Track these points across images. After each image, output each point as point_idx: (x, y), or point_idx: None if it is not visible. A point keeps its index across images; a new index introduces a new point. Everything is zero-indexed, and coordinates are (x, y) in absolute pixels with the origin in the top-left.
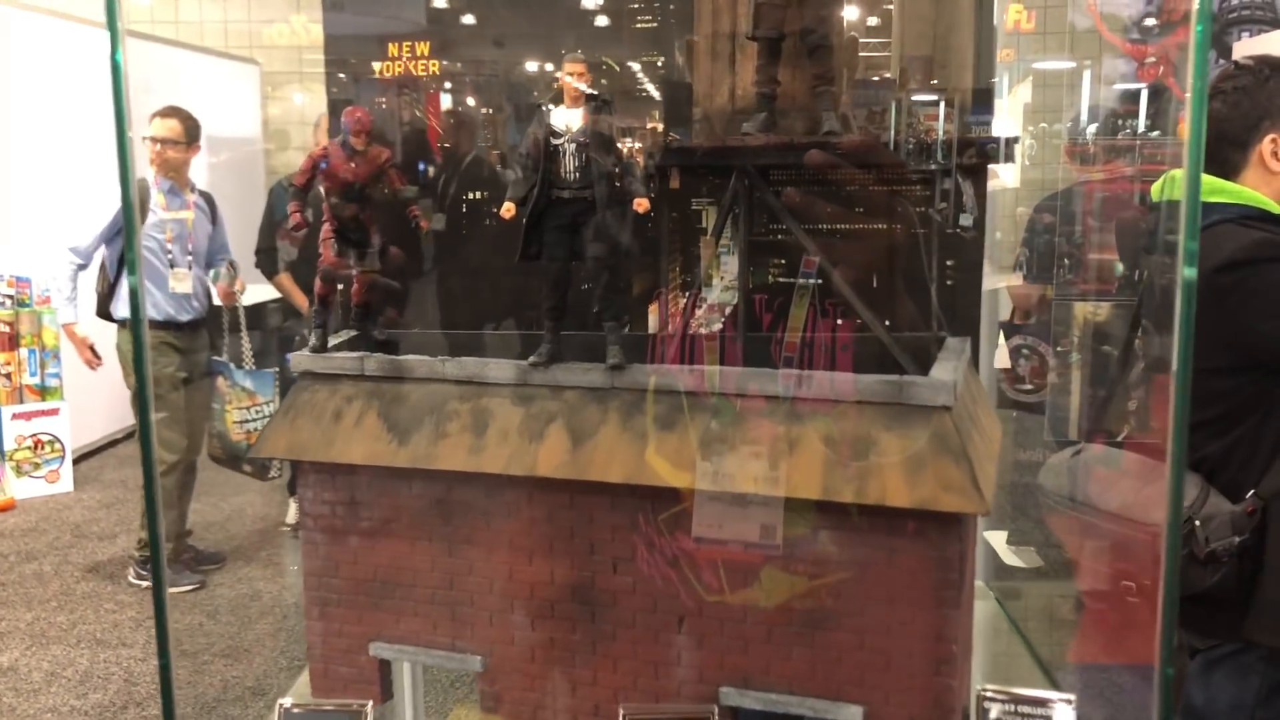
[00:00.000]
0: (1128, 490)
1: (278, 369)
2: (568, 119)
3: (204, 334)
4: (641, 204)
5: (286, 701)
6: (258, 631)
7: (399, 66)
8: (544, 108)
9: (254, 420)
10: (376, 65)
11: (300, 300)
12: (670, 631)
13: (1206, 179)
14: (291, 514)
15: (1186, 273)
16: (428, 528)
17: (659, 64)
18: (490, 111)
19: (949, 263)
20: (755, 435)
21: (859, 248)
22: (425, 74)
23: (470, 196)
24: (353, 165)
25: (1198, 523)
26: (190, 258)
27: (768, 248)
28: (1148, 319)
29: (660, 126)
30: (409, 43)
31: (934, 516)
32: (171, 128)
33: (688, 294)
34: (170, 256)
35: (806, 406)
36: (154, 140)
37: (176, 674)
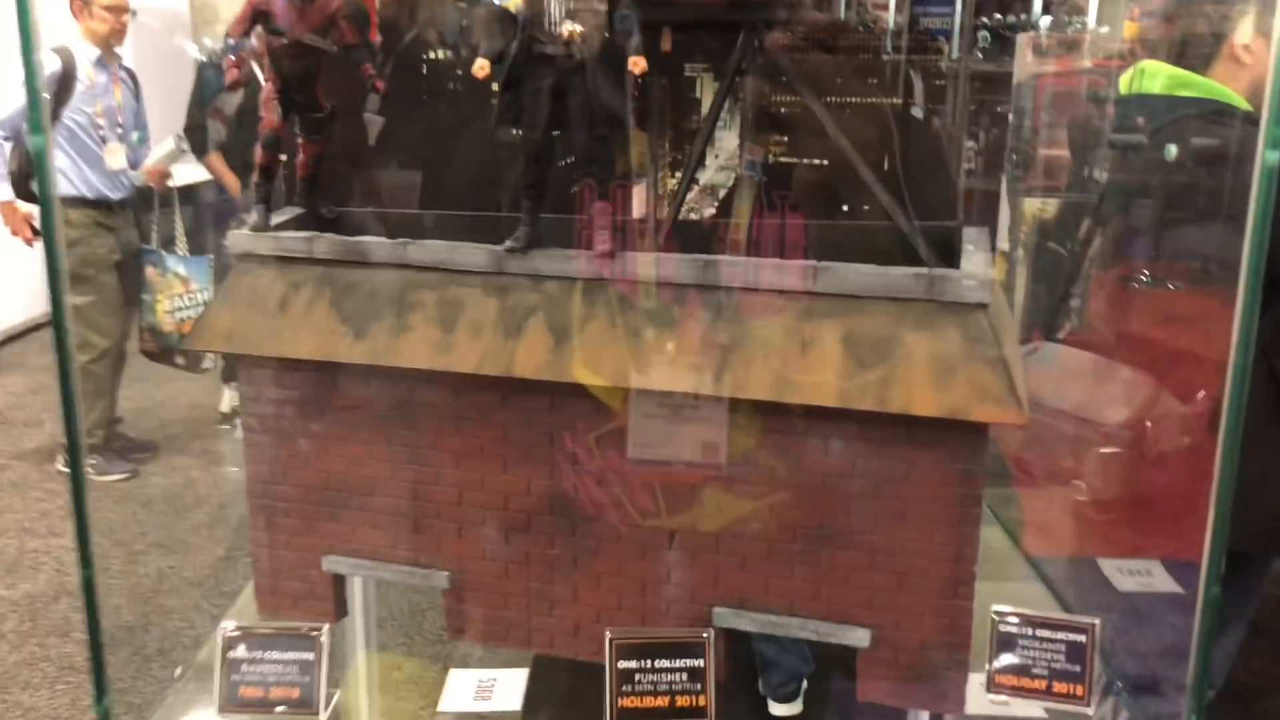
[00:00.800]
0: (1083, 390)
1: (211, 255)
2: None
3: (132, 213)
4: (638, 63)
5: (229, 625)
6: (193, 521)
7: None
8: None
9: (188, 309)
10: None
11: (231, 182)
12: (659, 547)
13: (1176, 72)
14: (226, 402)
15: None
16: (387, 431)
17: None
18: None
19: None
20: (763, 334)
21: (869, 126)
22: None
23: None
24: (299, 14)
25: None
26: (120, 131)
27: (767, 122)
28: (1110, 213)
29: None
30: None
31: (961, 425)
32: None
33: (679, 174)
34: (102, 132)
35: (822, 302)
36: (110, 9)
37: (109, 564)
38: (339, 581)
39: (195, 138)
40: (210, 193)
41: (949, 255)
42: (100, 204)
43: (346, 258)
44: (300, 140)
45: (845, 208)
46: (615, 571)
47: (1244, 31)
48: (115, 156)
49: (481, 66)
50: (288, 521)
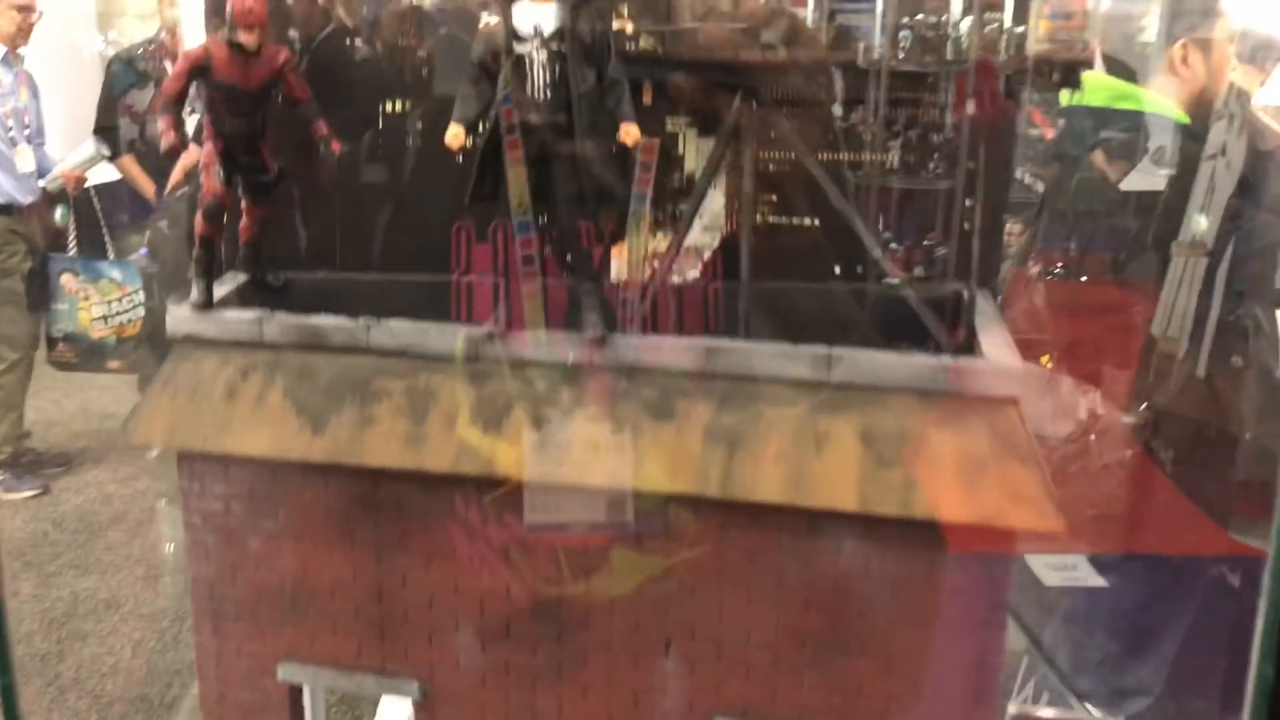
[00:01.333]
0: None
1: (138, 255)
2: (537, 17)
3: (37, 219)
4: (630, 133)
5: None
6: (109, 540)
7: None
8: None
9: (126, 312)
10: None
11: (146, 185)
12: (655, 655)
13: (1115, 84)
14: None
15: None
16: (350, 529)
17: None
18: None
19: None
20: (777, 430)
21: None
22: None
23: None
24: (243, 68)
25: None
26: (28, 133)
27: (757, 181)
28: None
29: (627, 26)
30: None
31: (988, 528)
32: None
33: (667, 236)
34: (11, 134)
35: (838, 393)
36: (18, 8)
37: (19, 587)
38: (295, 692)
39: (108, 139)
40: (123, 193)
41: (943, 313)
42: (9, 209)
43: (302, 341)
44: (245, 204)
45: (837, 269)
46: (605, 680)
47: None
48: (25, 159)
49: (455, 135)
50: (237, 626)
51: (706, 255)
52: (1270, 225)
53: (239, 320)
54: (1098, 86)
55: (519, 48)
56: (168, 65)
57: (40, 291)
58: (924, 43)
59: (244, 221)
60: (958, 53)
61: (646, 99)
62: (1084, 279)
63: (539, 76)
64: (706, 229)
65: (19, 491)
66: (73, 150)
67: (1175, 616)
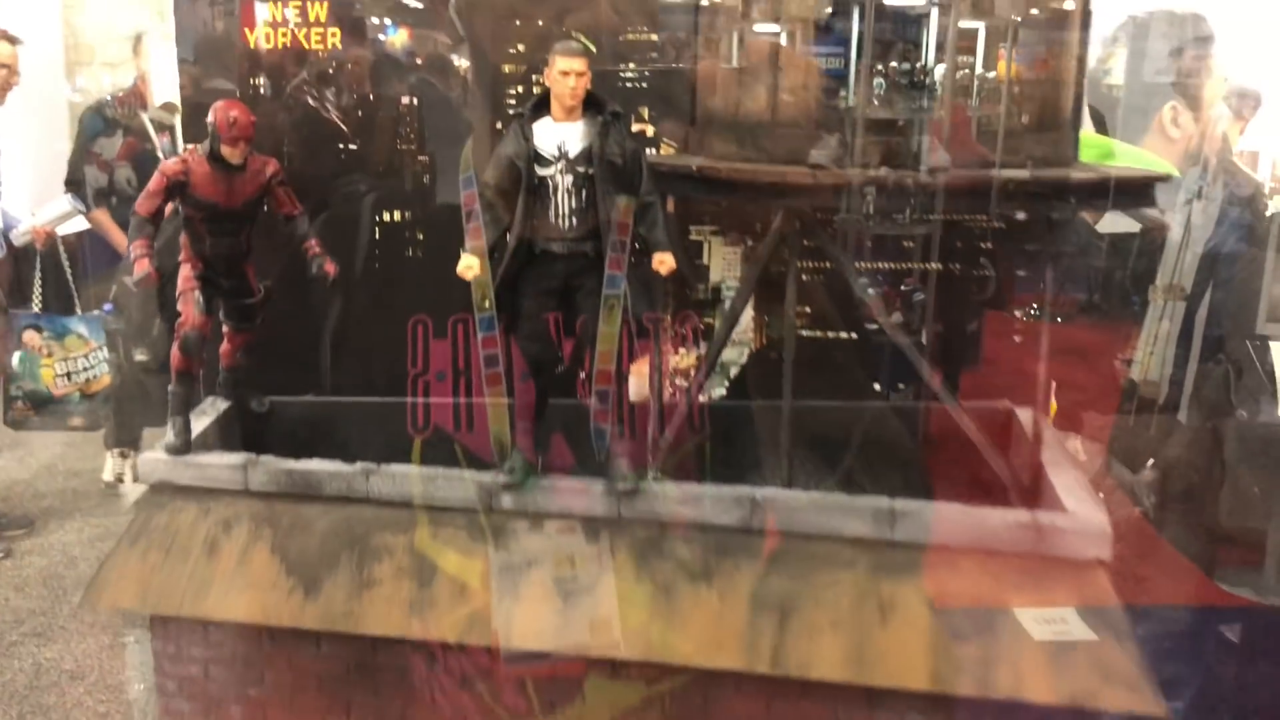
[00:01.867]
0: None
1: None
2: (561, 137)
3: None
4: (665, 263)
5: None
6: (74, 605)
7: None
8: (522, 118)
9: (91, 368)
10: None
11: (119, 239)
12: None
13: (1108, 142)
14: (109, 469)
15: None
16: (345, 698)
17: (652, 48)
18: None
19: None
20: (834, 595)
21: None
22: None
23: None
24: (226, 184)
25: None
26: None
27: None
28: None
29: (647, 129)
30: None
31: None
32: (10, 52)
33: (691, 352)
34: None
35: (903, 552)
36: (7, 68)
37: None
38: None
39: (80, 192)
40: (89, 245)
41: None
42: None
43: (292, 489)
44: (226, 329)
45: (876, 385)
46: None
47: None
48: None
49: (469, 266)
50: None
51: (734, 372)
52: (1249, 268)
53: (220, 466)
54: (1087, 144)
55: (541, 171)
56: (142, 115)
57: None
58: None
59: (225, 347)
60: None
61: (669, 206)
62: (1058, 319)
63: (563, 203)
64: (734, 343)
65: None
66: (44, 205)
67: (1176, 672)
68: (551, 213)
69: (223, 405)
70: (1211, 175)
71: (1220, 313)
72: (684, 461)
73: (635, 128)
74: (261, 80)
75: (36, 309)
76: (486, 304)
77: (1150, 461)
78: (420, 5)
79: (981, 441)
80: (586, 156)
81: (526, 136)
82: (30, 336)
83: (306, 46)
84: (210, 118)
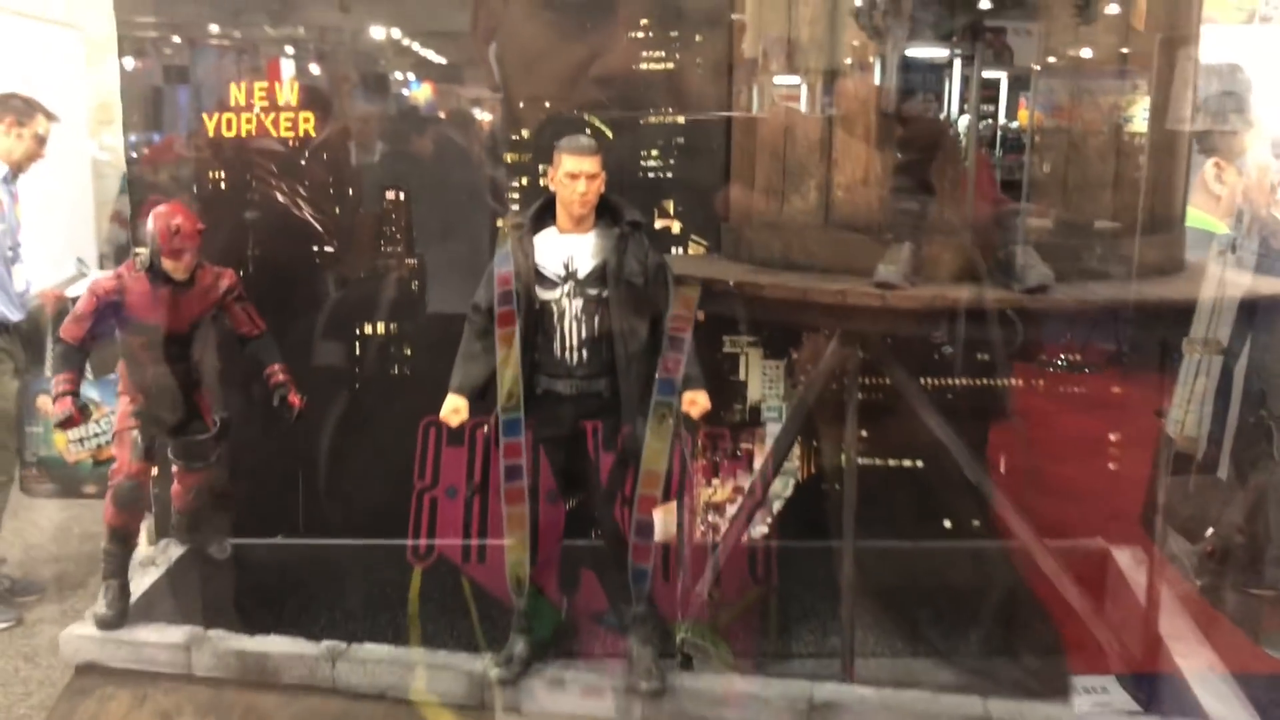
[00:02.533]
0: None
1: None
2: (569, 253)
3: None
4: (697, 403)
5: None
6: None
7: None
8: (521, 229)
9: (104, 433)
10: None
11: None
12: None
13: None
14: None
15: None
16: None
17: (677, 133)
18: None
19: None
20: None
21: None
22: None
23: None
24: (170, 302)
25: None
26: (17, 251)
27: (830, 413)
28: None
29: (673, 225)
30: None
31: None
32: (47, 128)
33: (718, 481)
34: (9, 253)
35: None
36: (37, 137)
37: None
38: None
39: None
40: None
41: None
42: (4, 328)
43: (244, 675)
44: (176, 470)
45: (947, 523)
46: None
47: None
48: (20, 277)
49: (455, 410)
50: None
51: (778, 506)
52: None
53: (160, 645)
54: None
55: (544, 293)
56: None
57: (19, 414)
58: None
59: (175, 488)
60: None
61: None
62: (1087, 370)
63: (571, 332)
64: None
65: None
66: (58, 270)
67: None
68: (557, 344)
69: (177, 552)
70: (1245, 227)
71: (1260, 367)
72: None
73: (659, 224)
74: (221, 174)
75: (49, 374)
76: (512, 401)
77: (1209, 531)
78: (444, 61)
79: (1083, 607)
80: (600, 276)
81: (526, 252)
82: (43, 401)
83: (274, 134)
84: (149, 225)
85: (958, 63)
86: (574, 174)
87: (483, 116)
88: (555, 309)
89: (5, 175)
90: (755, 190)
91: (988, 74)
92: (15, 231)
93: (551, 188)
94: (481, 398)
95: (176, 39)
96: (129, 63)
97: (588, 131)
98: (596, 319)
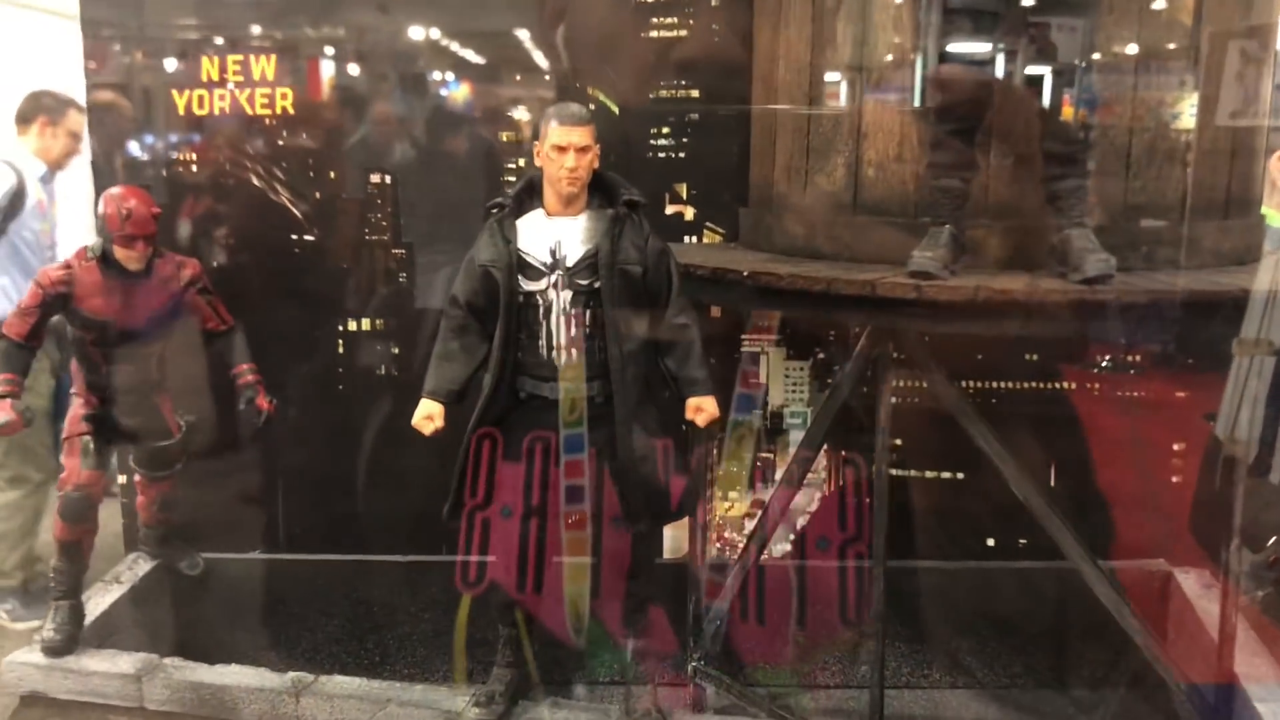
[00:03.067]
0: None
1: None
2: (556, 237)
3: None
4: (704, 409)
5: None
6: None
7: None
8: (501, 210)
9: None
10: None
11: None
12: None
13: None
14: None
15: None
16: None
17: (692, 103)
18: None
19: None
20: None
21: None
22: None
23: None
24: (122, 299)
25: None
26: (54, 249)
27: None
28: None
29: (686, 211)
30: None
31: None
32: (79, 121)
33: (736, 493)
34: (49, 251)
35: None
36: (72, 134)
37: None
38: None
39: None
40: None
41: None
42: None
43: (200, 710)
44: (137, 479)
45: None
46: None
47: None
48: None
49: (428, 417)
50: None
51: (800, 522)
52: None
53: (109, 675)
54: None
55: (527, 284)
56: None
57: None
58: None
59: (140, 499)
60: None
61: (713, 310)
62: (1132, 371)
63: (558, 329)
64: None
65: (28, 621)
66: None
67: None
68: (542, 342)
69: (145, 567)
70: None
71: None
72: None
73: (670, 210)
74: (191, 155)
75: None
76: (575, 415)
77: (1272, 540)
78: (483, 61)
79: (1149, 646)
80: (591, 265)
81: (507, 238)
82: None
83: (249, 111)
84: (100, 208)
85: (1000, 58)
86: (561, 146)
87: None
88: (540, 302)
89: (44, 174)
90: (777, 170)
91: (1031, 71)
92: (54, 229)
93: (538, 163)
94: (459, 402)
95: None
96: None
97: (587, 104)
98: (588, 313)
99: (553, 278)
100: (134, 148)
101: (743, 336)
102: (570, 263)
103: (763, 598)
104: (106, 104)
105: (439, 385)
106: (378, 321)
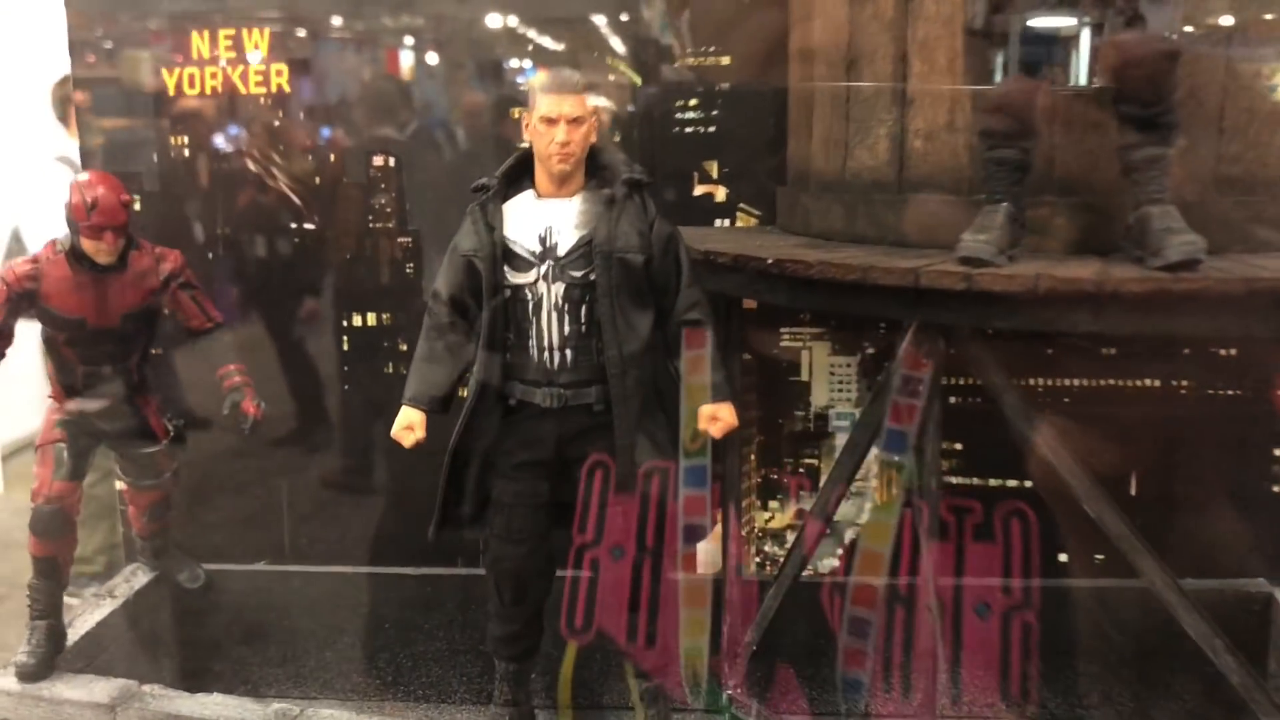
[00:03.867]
0: None
1: None
2: (547, 222)
3: None
4: (720, 419)
5: None
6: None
7: None
8: (485, 193)
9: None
10: None
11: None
12: None
13: None
14: None
15: None
16: None
17: (725, 73)
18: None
19: None
20: None
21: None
22: None
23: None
24: (95, 295)
25: None
26: None
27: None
28: None
29: (717, 191)
30: None
31: None
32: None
33: (776, 503)
34: None
35: None
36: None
37: None
38: None
39: None
40: None
41: None
42: None
43: None
44: (125, 488)
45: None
46: None
47: None
48: None
49: (408, 427)
50: None
51: (849, 535)
52: None
53: (81, 704)
54: None
55: (515, 277)
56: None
57: None
58: None
59: (131, 510)
60: None
61: (748, 301)
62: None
63: (549, 327)
64: (853, 494)
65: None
66: None
67: None
68: (532, 342)
69: (143, 580)
70: None
71: None
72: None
73: (699, 190)
74: (184, 139)
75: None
76: (696, 441)
77: None
78: (560, 47)
79: (1246, 686)
80: (585, 253)
81: (491, 224)
82: None
83: (243, 90)
84: (67, 197)
85: (1086, 32)
86: (551, 118)
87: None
88: (530, 296)
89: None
90: (814, 143)
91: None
92: None
93: (526, 137)
94: (444, 410)
95: None
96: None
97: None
98: (584, 309)
99: (543, 268)
100: (122, 131)
101: (782, 330)
102: (563, 251)
103: (804, 619)
104: (91, 83)
105: (420, 391)
106: (384, 316)
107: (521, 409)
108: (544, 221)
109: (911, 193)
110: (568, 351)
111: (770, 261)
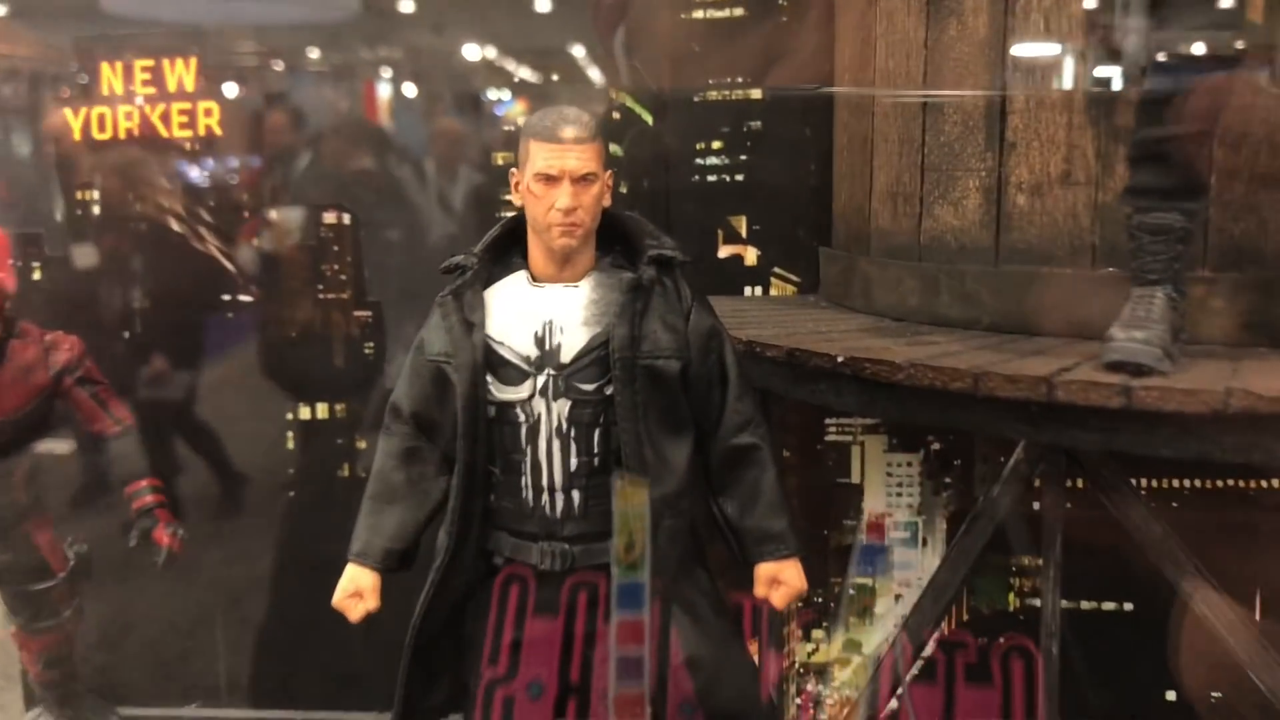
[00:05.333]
0: None
1: None
2: (546, 316)
3: None
4: (784, 583)
5: None
6: None
7: None
8: (461, 274)
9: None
10: None
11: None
12: None
13: None
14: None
15: None
16: None
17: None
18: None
19: None
20: None
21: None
22: None
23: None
24: None
25: None
26: None
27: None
28: None
29: (746, 253)
30: None
31: None
32: None
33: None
34: None
35: None
36: None
37: None
38: None
39: None
40: None
41: None
42: None
43: None
44: (14, 630)
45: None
46: None
47: None
48: None
49: (357, 592)
50: None
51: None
52: None
53: None
54: None
55: (501, 393)
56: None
57: None
58: None
59: (24, 655)
60: None
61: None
62: None
63: (551, 458)
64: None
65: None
66: None
67: None
68: (527, 480)
69: None
70: None
71: None
72: None
73: (725, 251)
74: (92, 193)
75: None
76: (633, 551)
77: None
78: (536, 80)
79: None
80: (600, 359)
81: (469, 319)
82: None
83: (164, 133)
84: None
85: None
86: (551, 175)
87: None
88: (523, 417)
89: None
90: (875, 196)
91: None
92: None
93: (516, 201)
94: (404, 567)
95: None
96: None
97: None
98: (597, 435)
99: (540, 380)
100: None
101: (827, 421)
102: (566, 357)
103: None
104: None
105: (371, 543)
106: (337, 407)
107: (510, 569)
108: (542, 315)
109: (1013, 264)
110: (574, 493)
111: (840, 359)
